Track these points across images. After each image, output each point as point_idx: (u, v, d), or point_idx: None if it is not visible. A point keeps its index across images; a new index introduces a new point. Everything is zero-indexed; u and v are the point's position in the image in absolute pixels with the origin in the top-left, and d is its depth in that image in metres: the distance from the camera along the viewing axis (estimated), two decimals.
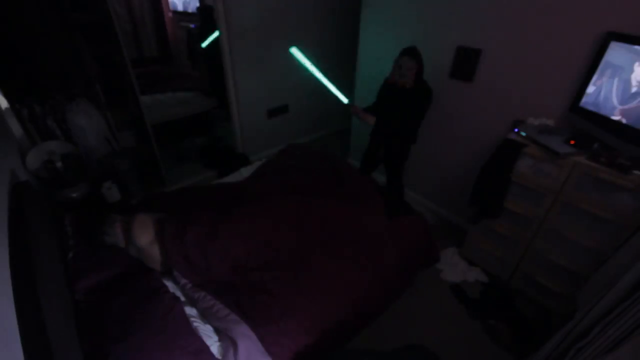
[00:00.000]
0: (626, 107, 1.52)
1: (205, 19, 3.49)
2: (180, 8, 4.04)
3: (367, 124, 2.19)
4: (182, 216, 1.60)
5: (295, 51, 2.14)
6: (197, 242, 1.49)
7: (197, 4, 3.82)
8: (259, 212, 1.69)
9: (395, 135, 2.19)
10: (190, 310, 1.38)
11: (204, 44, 3.57)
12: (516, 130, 1.87)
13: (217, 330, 1.32)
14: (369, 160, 2.48)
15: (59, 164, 1.87)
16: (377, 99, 2.25)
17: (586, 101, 1.66)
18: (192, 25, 3.87)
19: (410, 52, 1.93)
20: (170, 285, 1.48)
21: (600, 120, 1.61)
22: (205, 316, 1.38)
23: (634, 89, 1.48)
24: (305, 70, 2.20)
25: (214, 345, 1.27)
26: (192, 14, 3.95)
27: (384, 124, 2.12)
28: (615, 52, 1.52)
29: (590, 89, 1.63)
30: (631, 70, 1.47)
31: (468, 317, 1.96)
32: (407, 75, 1.93)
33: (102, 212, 1.67)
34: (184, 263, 1.49)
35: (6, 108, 1.86)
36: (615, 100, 1.56)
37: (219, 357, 1.22)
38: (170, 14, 4.15)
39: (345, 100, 2.23)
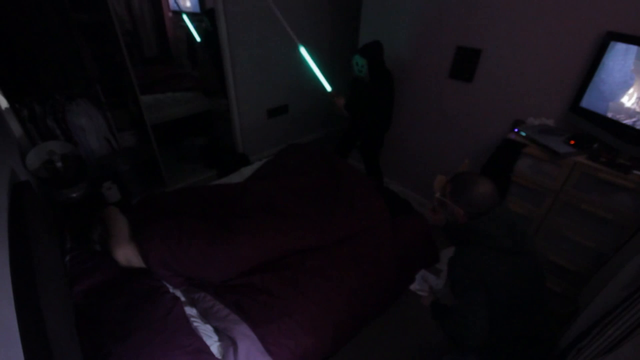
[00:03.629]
0: (626, 106, 1.52)
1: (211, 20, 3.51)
2: (179, 8, 4.04)
3: (343, 115, 2.43)
4: (171, 238, 1.49)
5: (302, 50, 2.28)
6: (193, 266, 1.47)
7: (196, 5, 3.83)
8: (259, 224, 1.65)
9: (367, 124, 2.43)
10: (190, 310, 1.38)
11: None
12: (516, 130, 1.87)
13: (217, 330, 1.32)
14: (343, 145, 2.74)
15: (59, 164, 1.87)
16: (350, 94, 2.45)
17: (586, 101, 1.66)
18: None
19: (360, 51, 2.20)
20: (170, 285, 1.48)
21: (600, 120, 1.61)
22: (205, 316, 1.38)
23: (633, 89, 1.48)
24: (304, 65, 2.32)
25: (214, 345, 1.27)
26: (192, 14, 3.95)
27: (357, 115, 2.37)
28: (615, 52, 1.52)
29: (590, 88, 1.63)
30: (631, 70, 1.47)
31: None
32: (363, 71, 2.20)
33: (91, 219, 1.60)
34: (178, 280, 1.49)
35: (6, 108, 1.86)
36: (615, 100, 1.56)
37: (219, 357, 1.22)
38: (170, 14, 4.15)
39: (328, 88, 2.37)
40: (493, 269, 1.10)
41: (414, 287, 1.53)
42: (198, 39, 3.76)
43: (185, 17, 3.82)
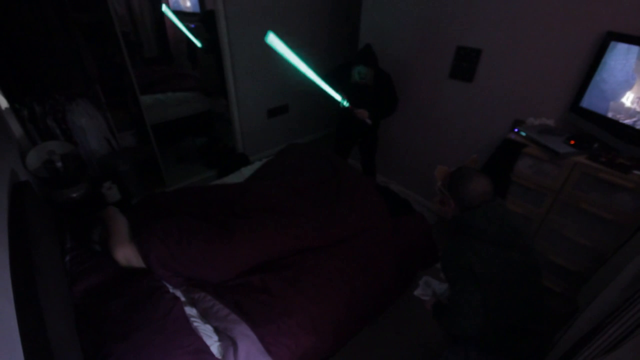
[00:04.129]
0: (626, 106, 1.52)
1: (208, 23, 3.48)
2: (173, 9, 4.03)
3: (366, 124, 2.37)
4: (171, 239, 1.49)
5: (273, 39, 1.89)
6: (193, 266, 1.47)
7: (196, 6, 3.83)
8: (258, 224, 1.64)
9: (373, 125, 2.45)
10: (190, 310, 1.38)
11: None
12: (516, 130, 1.87)
13: (217, 330, 1.32)
14: (344, 146, 2.73)
15: (59, 164, 1.87)
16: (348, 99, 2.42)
17: (586, 101, 1.66)
18: (191, 25, 3.87)
19: (362, 62, 2.16)
20: (170, 285, 1.48)
21: (601, 120, 1.61)
22: (205, 316, 1.38)
23: (633, 89, 1.48)
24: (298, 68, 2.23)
25: (214, 345, 1.27)
26: (192, 14, 3.95)
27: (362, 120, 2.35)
28: (615, 52, 1.52)
29: (591, 88, 1.63)
30: (631, 70, 1.47)
31: None
32: (367, 78, 2.20)
33: (91, 219, 1.61)
34: (178, 280, 1.49)
35: (6, 108, 1.86)
36: (615, 100, 1.56)
37: (219, 357, 1.22)
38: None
39: (346, 104, 2.30)
40: (482, 260, 1.12)
41: (417, 292, 1.53)
42: (199, 44, 3.71)
43: (180, 25, 3.71)
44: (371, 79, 2.21)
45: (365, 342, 1.79)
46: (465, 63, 2.14)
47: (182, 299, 1.44)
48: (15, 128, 1.90)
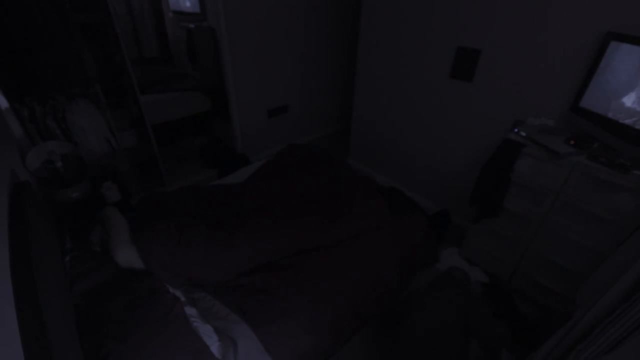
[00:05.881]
0: (626, 106, 1.52)
1: None
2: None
3: None
4: (171, 240, 1.49)
5: None
6: (193, 267, 1.47)
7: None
8: (258, 225, 1.65)
9: None
10: (190, 310, 1.38)
11: None
12: (516, 130, 1.87)
13: (217, 330, 1.32)
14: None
15: (59, 164, 1.87)
16: None
17: (586, 101, 1.66)
18: (191, 25, 3.87)
19: None
20: (170, 285, 1.48)
21: (601, 120, 1.61)
22: (205, 316, 1.38)
23: (634, 89, 1.48)
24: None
25: (214, 345, 1.27)
26: (192, 14, 3.95)
27: None
28: (615, 52, 1.52)
29: (591, 88, 1.63)
30: (631, 70, 1.47)
31: None
32: None
33: (90, 220, 1.62)
34: (178, 281, 1.49)
35: (6, 108, 1.86)
36: (615, 100, 1.56)
37: (219, 357, 1.22)
38: (170, 14, 4.15)
39: None
40: None
41: None
42: None
43: None
44: None
45: (366, 343, 1.79)
46: (465, 63, 2.14)
47: (182, 299, 1.44)
48: (15, 128, 1.90)
